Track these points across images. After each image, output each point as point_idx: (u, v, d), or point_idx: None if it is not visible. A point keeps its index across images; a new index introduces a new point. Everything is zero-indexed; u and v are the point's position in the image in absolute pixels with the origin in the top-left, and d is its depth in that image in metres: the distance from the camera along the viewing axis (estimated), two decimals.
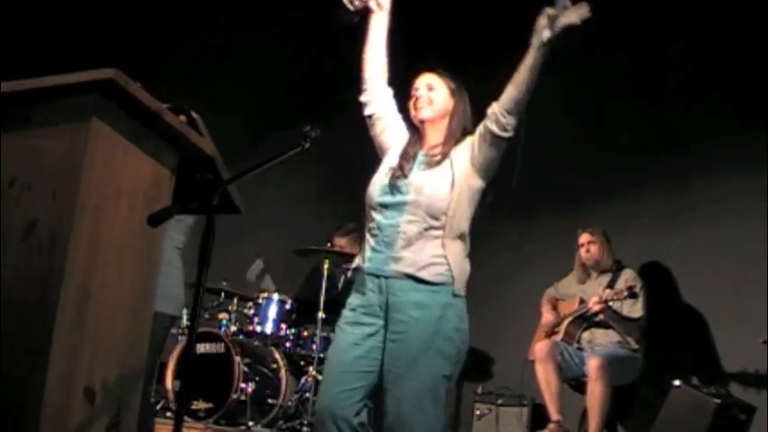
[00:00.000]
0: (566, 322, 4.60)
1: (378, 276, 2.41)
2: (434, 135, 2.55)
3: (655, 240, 5.03)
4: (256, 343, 4.88)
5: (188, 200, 2.15)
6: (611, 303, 4.37)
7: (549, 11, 2.33)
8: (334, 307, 4.29)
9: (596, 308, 4.39)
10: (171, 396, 4.54)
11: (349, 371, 2.37)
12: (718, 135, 4.80)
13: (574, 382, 4.50)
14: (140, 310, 2.14)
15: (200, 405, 4.47)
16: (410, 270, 2.38)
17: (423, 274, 2.37)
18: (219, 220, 2.00)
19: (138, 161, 2.10)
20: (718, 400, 3.90)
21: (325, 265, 4.86)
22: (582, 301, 4.55)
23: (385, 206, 2.45)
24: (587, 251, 4.64)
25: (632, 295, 4.29)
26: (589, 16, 2.32)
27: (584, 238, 4.67)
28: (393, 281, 2.39)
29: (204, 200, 2.02)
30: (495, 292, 5.32)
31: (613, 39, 5.04)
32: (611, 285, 4.48)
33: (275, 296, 4.99)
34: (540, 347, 4.43)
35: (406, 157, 2.52)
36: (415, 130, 2.58)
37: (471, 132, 2.52)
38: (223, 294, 5.12)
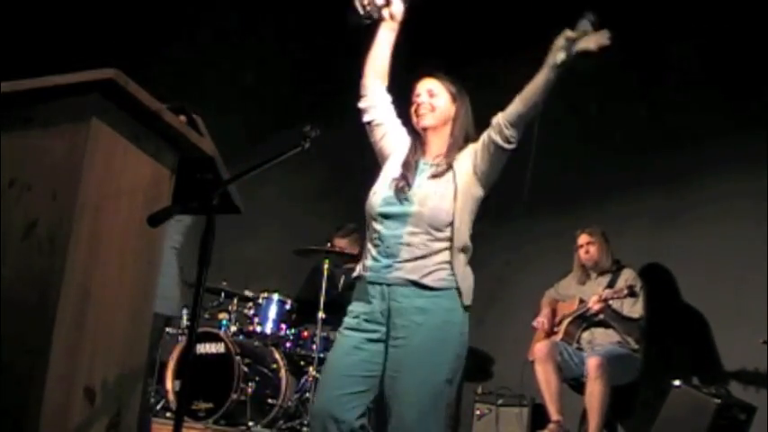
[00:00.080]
0: (565, 322, 4.60)
1: (380, 284, 2.40)
2: (437, 141, 2.53)
3: (654, 240, 5.03)
4: (256, 343, 4.89)
5: (188, 200, 2.15)
6: (610, 303, 4.37)
7: (569, 33, 2.33)
8: (335, 307, 4.30)
9: (596, 307, 4.39)
10: (171, 396, 4.55)
11: (349, 374, 2.35)
12: (718, 135, 4.80)
13: (573, 382, 4.50)
14: (140, 310, 2.14)
15: (200, 405, 4.47)
16: (414, 276, 2.37)
17: (426, 281, 2.36)
18: (219, 219, 2.00)
19: (138, 161, 2.10)
20: (719, 400, 3.90)
21: (325, 265, 4.86)
22: (582, 302, 4.55)
23: (387, 216, 2.43)
24: (586, 252, 4.64)
25: (632, 294, 4.29)
26: (608, 44, 2.31)
27: (583, 238, 4.67)
28: (396, 288, 2.38)
29: (204, 200, 2.02)
30: (495, 292, 5.32)
31: (613, 38, 5.04)
32: (610, 285, 4.48)
33: (275, 296, 5.00)
34: (540, 348, 4.43)
35: (408, 166, 2.50)
36: (417, 136, 2.57)
37: (474, 139, 2.52)
38: (223, 294, 5.12)
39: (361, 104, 2.62)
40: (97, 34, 5.44)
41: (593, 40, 2.33)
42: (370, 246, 2.47)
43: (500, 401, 4.85)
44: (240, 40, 6.09)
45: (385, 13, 2.56)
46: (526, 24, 5.48)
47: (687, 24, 4.97)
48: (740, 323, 4.45)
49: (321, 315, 4.68)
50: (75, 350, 1.90)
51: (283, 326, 4.99)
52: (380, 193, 2.48)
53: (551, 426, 4.25)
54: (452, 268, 2.38)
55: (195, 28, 6.02)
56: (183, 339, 4.84)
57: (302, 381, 4.77)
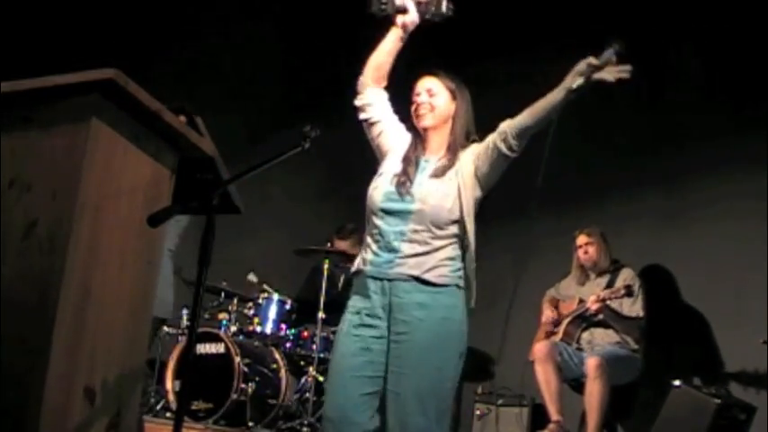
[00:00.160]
0: (565, 322, 4.60)
1: (381, 279, 2.40)
2: (437, 140, 2.54)
3: (654, 240, 5.03)
4: (256, 343, 4.88)
5: (188, 200, 2.15)
6: (609, 303, 4.37)
7: (593, 61, 2.34)
8: (335, 307, 4.29)
9: (594, 307, 4.39)
10: (171, 396, 4.54)
11: (359, 376, 2.35)
12: (718, 135, 4.80)
13: (573, 383, 4.50)
14: (140, 309, 2.14)
15: (200, 405, 4.47)
16: (416, 272, 2.37)
17: (428, 276, 2.37)
18: (219, 219, 2.00)
19: (138, 161, 2.10)
20: (719, 400, 3.90)
21: (325, 265, 4.86)
22: (581, 302, 4.55)
23: (388, 212, 2.43)
24: (585, 252, 4.64)
25: (629, 294, 4.29)
26: (627, 78, 2.32)
27: (581, 239, 4.67)
28: (397, 283, 2.38)
29: (204, 200, 2.02)
30: (496, 292, 5.31)
31: (612, 39, 5.04)
32: (609, 286, 4.48)
33: (275, 296, 4.99)
34: (540, 348, 4.43)
35: (409, 161, 2.50)
36: (417, 134, 2.57)
37: (476, 139, 2.52)
38: (223, 294, 5.12)
39: (357, 102, 2.62)
40: (97, 34, 5.43)
41: (613, 73, 2.34)
42: (370, 240, 2.46)
43: (500, 401, 4.85)
44: (240, 40, 6.08)
45: (398, 19, 2.53)
46: (526, 25, 5.49)
47: (688, 25, 4.98)
48: (740, 323, 4.45)
49: (321, 315, 4.68)
50: (75, 350, 1.90)
51: (283, 326, 4.99)
52: (381, 189, 2.47)
53: (551, 426, 4.25)
54: (454, 265, 2.39)
55: (195, 28, 6.02)
56: (183, 339, 4.84)
57: (302, 381, 4.76)
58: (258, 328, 4.92)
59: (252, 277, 5.12)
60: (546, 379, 4.33)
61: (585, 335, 4.54)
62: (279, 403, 4.61)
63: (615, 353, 4.34)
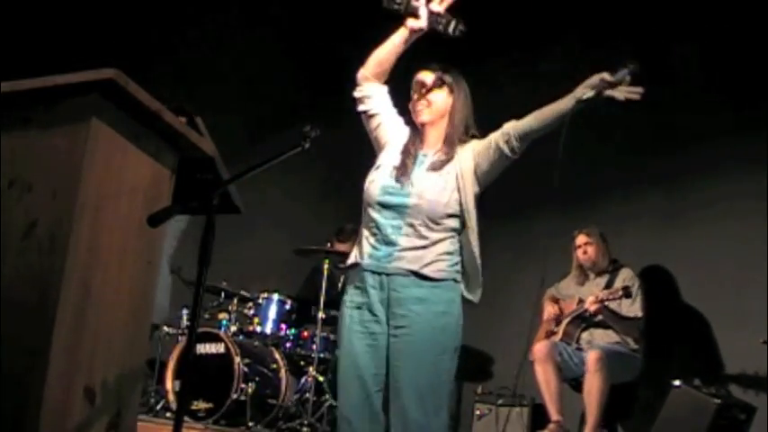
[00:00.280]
0: (564, 322, 4.60)
1: (379, 273, 2.41)
2: (435, 134, 2.54)
3: (654, 240, 5.03)
4: (256, 343, 4.88)
5: (188, 200, 2.15)
6: (607, 303, 4.37)
7: (607, 77, 2.34)
8: (335, 307, 4.30)
9: (593, 308, 4.38)
10: (171, 396, 4.54)
11: (369, 373, 2.37)
12: (719, 135, 4.80)
13: (573, 383, 4.50)
14: (140, 309, 2.14)
15: (200, 405, 4.47)
16: (414, 267, 2.38)
17: (425, 271, 2.38)
18: (219, 219, 2.00)
19: (138, 161, 2.10)
20: (719, 401, 3.89)
21: (325, 265, 4.86)
22: (580, 302, 4.55)
23: (385, 206, 2.44)
24: (584, 253, 4.64)
25: (627, 295, 4.29)
26: (637, 99, 2.33)
27: (580, 239, 4.67)
28: (395, 277, 2.39)
29: (204, 200, 2.02)
30: (496, 292, 5.31)
31: (614, 38, 5.04)
32: (608, 286, 4.48)
33: (275, 296, 5.00)
34: (540, 348, 4.43)
35: (407, 155, 2.51)
36: (415, 128, 2.57)
37: (476, 134, 2.52)
38: (223, 294, 5.12)
39: (357, 94, 2.61)
40: (97, 34, 5.43)
41: (623, 94, 2.35)
42: (367, 233, 2.47)
43: (500, 401, 4.85)
44: (240, 39, 6.08)
45: (408, 22, 2.52)
46: (527, 25, 5.49)
47: (688, 25, 4.97)
48: (740, 323, 4.44)
49: (321, 315, 4.68)
50: (75, 350, 1.90)
51: (283, 326, 4.99)
52: (379, 182, 2.48)
53: (551, 426, 4.25)
54: (452, 260, 2.40)
55: (195, 28, 6.02)
56: (183, 339, 4.84)
57: (302, 381, 4.76)
58: (258, 328, 4.93)
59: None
60: (546, 379, 4.33)
61: (585, 335, 4.54)
62: (279, 403, 4.61)
63: (615, 349, 4.34)
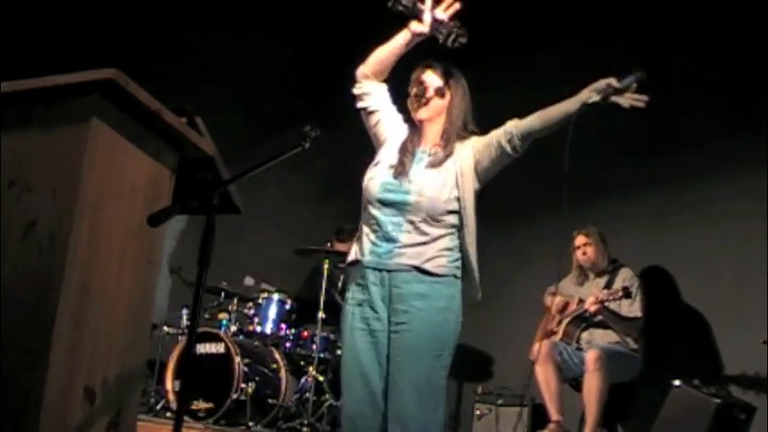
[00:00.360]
0: (564, 322, 4.60)
1: (380, 270, 2.42)
2: (434, 131, 2.55)
3: (654, 240, 5.03)
4: (256, 343, 4.88)
5: (188, 200, 2.15)
6: (607, 304, 4.37)
7: (614, 83, 2.35)
8: (335, 307, 4.30)
9: (592, 308, 4.38)
10: (171, 396, 4.54)
11: (372, 370, 2.38)
12: (718, 135, 4.80)
13: (573, 383, 4.50)
14: (140, 310, 2.14)
15: (200, 405, 4.47)
16: (415, 262, 2.39)
17: (427, 266, 2.39)
18: (219, 219, 2.00)
19: (138, 161, 2.10)
20: (718, 400, 3.89)
21: (325, 265, 4.86)
22: (580, 302, 4.55)
23: (384, 203, 2.44)
24: (584, 253, 4.64)
25: (627, 295, 4.29)
26: (641, 107, 2.34)
27: (579, 240, 4.66)
28: (396, 273, 2.40)
29: (204, 200, 2.02)
30: (495, 292, 5.31)
31: (613, 39, 5.04)
32: (608, 286, 4.48)
33: (275, 296, 5.00)
34: (540, 348, 4.43)
35: (406, 152, 2.51)
36: (414, 125, 2.58)
37: (475, 131, 2.52)
38: (223, 294, 5.12)
39: (356, 91, 2.62)
40: (97, 34, 5.43)
41: (628, 101, 2.36)
42: (367, 230, 2.48)
43: (500, 401, 4.85)
44: (240, 40, 6.09)
45: (411, 25, 2.52)
46: (527, 25, 5.49)
47: (688, 26, 4.97)
48: (740, 323, 4.44)
49: (321, 315, 4.68)
50: (75, 350, 1.90)
51: (283, 326, 4.99)
52: (378, 179, 2.48)
53: (551, 426, 4.25)
54: (452, 255, 2.41)
55: (195, 28, 6.02)
56: (182, 339, 4.84)
57: (302, 381, 4.76)
58: (258, 328, 4.93)
59: (248, 281, 5.13)
60: (546, 379, 4.33)
61: (585, 335, 4.54)
62: (279, 403, 4.61)
63: (615, 349, 4.34)
